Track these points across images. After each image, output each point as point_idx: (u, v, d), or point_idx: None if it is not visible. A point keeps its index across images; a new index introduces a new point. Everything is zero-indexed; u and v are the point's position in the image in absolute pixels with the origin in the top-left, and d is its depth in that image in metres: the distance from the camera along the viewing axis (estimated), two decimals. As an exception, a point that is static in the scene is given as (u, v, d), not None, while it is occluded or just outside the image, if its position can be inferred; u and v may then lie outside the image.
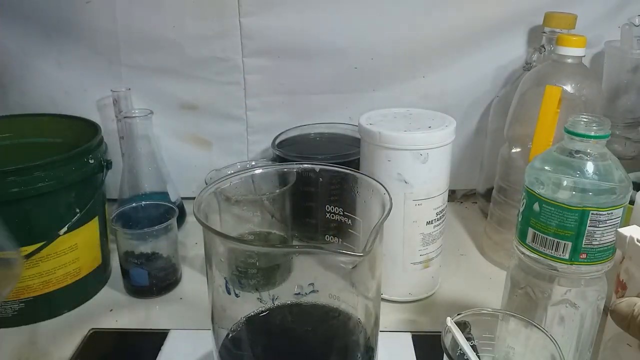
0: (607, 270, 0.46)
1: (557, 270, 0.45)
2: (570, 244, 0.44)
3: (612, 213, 0.43)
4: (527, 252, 0.47)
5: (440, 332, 0.42)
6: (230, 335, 0.44)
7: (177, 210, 0.67)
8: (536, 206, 0.45)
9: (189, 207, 0.82)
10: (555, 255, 0.45)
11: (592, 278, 0.46)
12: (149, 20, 0.77)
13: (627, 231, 0.42)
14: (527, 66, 0.78)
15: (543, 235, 0.45)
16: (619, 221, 0.44)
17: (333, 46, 0.79)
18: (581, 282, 0.46)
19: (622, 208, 0.43)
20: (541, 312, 0.48)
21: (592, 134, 0.43)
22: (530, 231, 0.46)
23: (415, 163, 0.57)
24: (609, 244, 0.44)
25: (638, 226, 0.43)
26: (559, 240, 0.44)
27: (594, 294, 0.47)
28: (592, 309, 0.47)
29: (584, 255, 0.44)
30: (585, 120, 0.44)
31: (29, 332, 0.60)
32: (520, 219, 0.47)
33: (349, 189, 0.46)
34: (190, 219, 0.82)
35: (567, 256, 0.44)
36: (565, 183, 0.43)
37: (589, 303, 0.47)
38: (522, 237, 0.47)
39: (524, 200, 0.46)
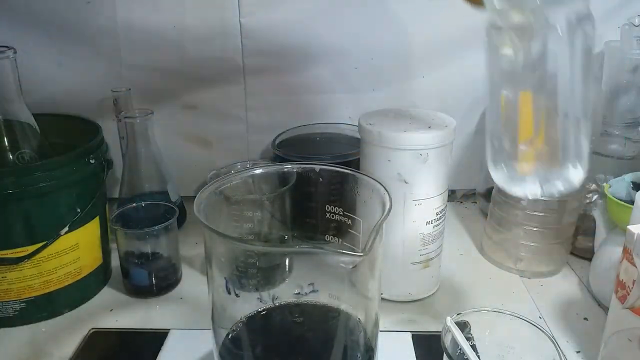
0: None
1: None
2: None
3: None
4: None
5: (440, 332, 0.42)
6: (230, 335, 0.45)
7: (177, 210, 0.67)
8: None
9: (189, 207, 0.82)
10: None
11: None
12: (149, 20, 0.77)
13: (636, 229, 0.43)
14: (527, 66, 0.78)
15: None
16: None
17: (333, 46, 0.79)
18: None
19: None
20: None
21: None
22: None
23: (415, 163, 0.57)
24: None
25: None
26: None
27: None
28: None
29: None
30: None
31: (29, 332, 0.60)
32: None
33: (349, 189, 0.47)
34: (190, 219, 0.82)
35: None
36: None
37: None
38: None
39: None
